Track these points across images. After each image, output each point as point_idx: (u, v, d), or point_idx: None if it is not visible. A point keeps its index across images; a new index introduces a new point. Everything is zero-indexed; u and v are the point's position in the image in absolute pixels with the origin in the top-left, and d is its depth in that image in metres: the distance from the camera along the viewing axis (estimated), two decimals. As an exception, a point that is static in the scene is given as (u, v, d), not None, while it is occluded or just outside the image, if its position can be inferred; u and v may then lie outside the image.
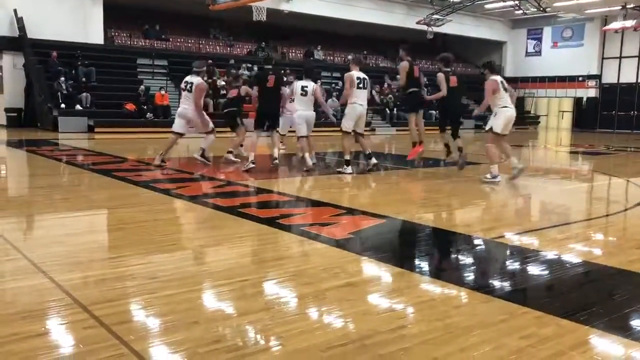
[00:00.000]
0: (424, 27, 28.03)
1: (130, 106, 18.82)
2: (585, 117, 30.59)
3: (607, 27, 27.87)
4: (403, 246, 4.60)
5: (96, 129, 17.25)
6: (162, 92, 19.48)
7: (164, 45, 23.54)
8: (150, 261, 3.90)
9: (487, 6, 28.87)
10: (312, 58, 26.77)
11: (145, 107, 18.92)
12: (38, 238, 4.79)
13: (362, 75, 8.82)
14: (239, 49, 25.87)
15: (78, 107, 18.15)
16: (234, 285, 3.40)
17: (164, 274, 3.55)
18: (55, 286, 3.29)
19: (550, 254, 4.35)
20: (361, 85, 8.73)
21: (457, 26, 29.80)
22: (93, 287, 3.33)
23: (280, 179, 8.84)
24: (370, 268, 3.94)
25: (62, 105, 17.83)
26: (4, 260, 3.87)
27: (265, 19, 20.01)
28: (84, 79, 19.11)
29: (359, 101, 8.72)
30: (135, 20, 23.59)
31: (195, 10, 20.27)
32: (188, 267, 3.82)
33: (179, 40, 24.49)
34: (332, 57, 28.49)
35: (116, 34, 22.95)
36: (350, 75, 8.73)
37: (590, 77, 30.57)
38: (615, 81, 29.99)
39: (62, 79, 18.32)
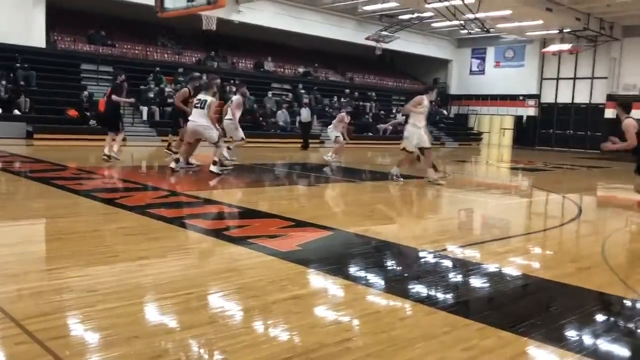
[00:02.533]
0: (373, 43, 28.52)
1: (72, 112, 18.21)
2: (525, 135, 31.82)
3: (545, 50, 29.19)
4: (350, 258, 4.62)
5: (35, 135, 16.56)
6: (105, 98, 18.93)
7: (109, 51, 22.96)
8: (89, 273, 3.75)
9: (434, 25, 29.68)
10: (262, 69, 26.76)
11: (88, 113, 18.36)
12: (-32, 248, 4.54)
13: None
14: (187, 57, 25.54)
15: (16, 112, 17.41)
16: (177, 298, 3.32)
17: (104, 287, 3.43)
18: (-15, 299, 3.11)
19: (492, 267, 4.47)
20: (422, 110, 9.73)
21: (405, 43, 30.50)
22: (27, 300, 3.18)
23: (228, 190, 8.74)
24: (317, 280, 3.94)
25: (-1, 110, 17.07)
26: None
27: (215, 28, 19.86)
28: (22, 83, 18.37)
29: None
30: (80, 25, 22.91)
31: (143, 16, 19.87)
32: (129, 279, 3.70)
33: (125, 46, 23.94)
34: (282, 69, 28.55)
35: (59, 37, 22.21)
36: (421, 98, 9.73)
37: (530, 96, 31.88)
38: (553, 101, 31.39)
39: (3, 82, 17.54)
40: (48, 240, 4.93)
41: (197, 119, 9.46)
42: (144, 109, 20.17)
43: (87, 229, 5.13)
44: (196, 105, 9.58)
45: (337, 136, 13.92)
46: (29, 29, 19.83)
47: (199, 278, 3.82)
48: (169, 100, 20.54)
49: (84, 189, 7.56)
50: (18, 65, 18.72)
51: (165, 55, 24.93)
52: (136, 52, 24.13)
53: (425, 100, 9.65)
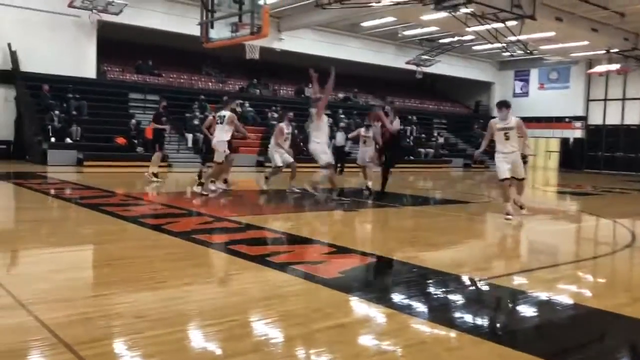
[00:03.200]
0: (413, 67, 28.56)
1: (121, 140, 18.84)
2: (572, 158, 31.02)
3: (592, 71, 28.56)
4: (393, 286, 4.57)
5: (85, 163, 17.19)
6: (151, 125, 19.53)
7: (156, 81, 23.73)
8: (137, 299, 3.83)
9: (475, 48, 29.53)
10: (302, 95, 27.09)
11: (136, 141, 18.94)
12: (23, 274, 4.70)
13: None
14: (231, 85, 26.14)
15: (68, 140, 18.12)
16: (222, 325, 3.34)
17: (151, 313, 3.49)
18: (39, 325, 3.21)
19: (541, 296, 4.34)
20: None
21: (446, 67, 30.42)
22: (78, 325, 3.26)
23: (269, 215, 8.82)
24: (361, 308, 3.90)
25: (52, 139, 17.80)
26: (-13, 297, 3.79)
27: (258, 57, 20.30)
28: (74, 112, 19.15)
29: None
30: (129, 56, 23.83)
31: (188, 46, 20.51)
32: (175, 305, 3.75)
33: (171, 76, 24.72)
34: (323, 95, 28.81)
35: (109, 68, 23.13)
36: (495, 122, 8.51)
37: (576, 118, 31.14)
38: (601, 122, 30.57)
39: (53, 112, 18.34)
40: (97, 266, 5.06)
41: (217, 135, 10.30)
42: (189, 136, 20.67)
43: (135, 255, 5.25)
44: (218, 122, 10.38)
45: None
46: (81, 61, 20.77)
47: (242, 305, 3.85)
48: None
49: (131, 215, 7.75)
50: (70, 95, 19.54)
51: (210, 84, 25.60)
52: (181, 80, 24.87)
53: (498, 123, 8.45)
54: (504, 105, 8.46)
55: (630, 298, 4.40)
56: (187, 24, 18.28)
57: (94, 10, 19.63)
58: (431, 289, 4.58)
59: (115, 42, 22.64)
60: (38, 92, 18.98)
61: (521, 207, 8.85)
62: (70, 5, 19.33)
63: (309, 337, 3.20)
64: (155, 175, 13.13)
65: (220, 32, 11.34)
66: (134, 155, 18.38)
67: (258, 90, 26.21)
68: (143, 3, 21.22)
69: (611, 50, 25.54)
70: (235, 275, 4.75)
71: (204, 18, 11.52)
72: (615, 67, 26.83)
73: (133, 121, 19.57)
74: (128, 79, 23.20)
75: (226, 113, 10.29)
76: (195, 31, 12.46)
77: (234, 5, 10.78)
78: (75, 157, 17.55)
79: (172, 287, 4.21)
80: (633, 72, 27.59)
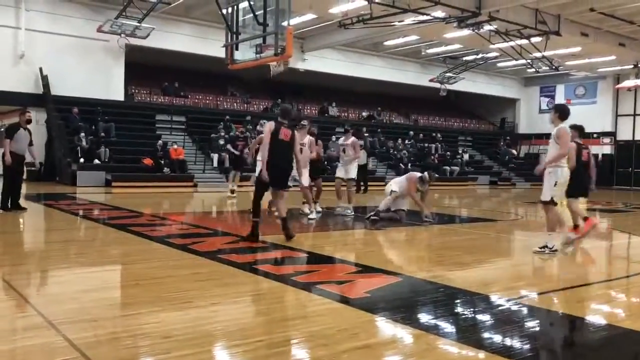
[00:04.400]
0: (437, 85, 28.50)
1: (148, 161, 19.14)
2: (601, 174, 30.38)
3: (619, 85, 28.14)
4: (420, 306, 4.51)
5: (113, 183, 17.49)
6: (175, 146, 19.86)
7: (182, 102, 24.13)
8: (164, 319, 3.85)
9: (500, 64, 29.37)
10: (326, 114, 27.22)
11: (162, 161, 19.23)
12: (52, 294, 4.78)
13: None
14: (255, 106, 26.42)
15: (96, 161, 18.48)
16: (248, 345, 3.34)
17: (178, 333, 3.50)
18: (68, 344, 3.25)
19: (572, 316, 4.24)
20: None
21: (470, 84, 30.29)
22: (106, 345, 3.29)
23: (297, 234, 8.80)
24: (388, 329, 3.86)
25: (81, 160, 18.17)
26: (17, 317, 3.85)
27: (282, 70, 20.49)
28: (103, 134, 19.55)
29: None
30: (155, 78, 24.31)
31: (213, 68, 20.85)
32: (202, 326, 3.76)
33: (197, 97, 25.12)
34: (346, 114, 28.94)
35: (136, 90, 23.63)
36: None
37: (604, 134, 30.61)
38: (631, 138, 29.99)
39: (82, 134, 18.76)
40: (125, 286, 5.11)
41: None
42: (215, 156, 20.89)
43: (162, 275, 5.29)
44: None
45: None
46: (109, 84, 21.27)
47: (268, 325, 3.84)
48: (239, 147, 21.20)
49: (158, 235, 7.84)
50: (99, 118, 19.98)
51: (235, 104, 25.93)
52: (207, 101, 25.25)
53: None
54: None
55: (667, 318, 4.26)
56: (212, 46, 18.61)
57: (122, 35, 20.12)
58: (459, 309, 4.50)
59: (143, 65, 23.14)
60: (68, 115, 19.45)
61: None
62: (99, 30, 19.86)
63: (335, 358, 3.17)
64: (232, 192, 14.56)
65: (244, 54, 11.49)
66: (160, 176, 18.65)
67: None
68: (169, 26, 21.70)
69: (639, 65, 25.14)
70: (261, 295, 4.74)
71: (229, 40, 11.70)
72: (643, 81, 26.39)
73: (160, 142, 19.88)
74: (155, 100, 23.65)
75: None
76: (220, 53, 12.65)
77: (258, 27, 10.92)
78: (103, 178, 17.87)
79: (198, 307, 4.22)
80: (662, 86, 27.08)
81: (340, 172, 11.16)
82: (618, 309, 4.76)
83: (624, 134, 30.31)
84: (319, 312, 4.20)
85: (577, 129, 8.61)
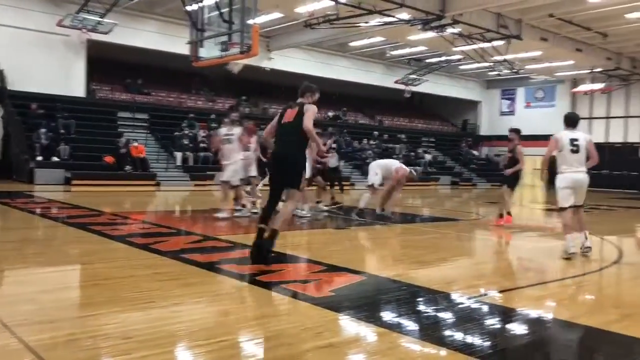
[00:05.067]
0: (402, 87, 28.81)
1: (109, 159, 18.76)
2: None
3: (576, 89, 28.99)
4: (383, 305, 4.55)
5: (73, 181, 17.06)
6: (136, 144, 19.53)
7: (145, 99, 23.73)
8: (124, 320, 3.78)
9: (462, 67, 29.88)
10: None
11: (124, 159, 18.88)
12: (8, 295, 4.63)
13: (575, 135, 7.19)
14: (220, 104, 26.19)
15: (55, 159, 18.00)
16: (212, 345, 3.31)
17: (139, 334, 3.45)
18: (23, 347, 3.16)
19: (531, 313, 4.34)
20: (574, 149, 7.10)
21: (434, 85, 30.73)
22: (64, 347, 3.21)
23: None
24: (352, 328, 3.88)
25: (39, 157, 17.67)
26: (-29, 319, 3.72)
27: (241, 67, 20.34)
28: (62, 131, 19.06)
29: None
30: (118, 74, 23.84)
31: (178, 65, 20.57)
32: (164, 326, 3.71)
33: (160, 94, 24.75)
34: (312, 113, 28.97)
35: (98, 87, 23.11)
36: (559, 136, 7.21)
37: (562, 136, 31.47)
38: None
39: (41, 130, 18.24)
40: (84, 286, 5.00)
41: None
42: (178, 155, 20.62)
43: (122, 275, 5.19)
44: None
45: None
46: (70, 80, 20.74)
47: (232, 325, 3.81)
48: (202, 146, 21.01)
49: (119, 234, 7.69)
50: (59, 114, 19.47)
51: (199, 102, 25.65)
52: (171, 99, 24.90)
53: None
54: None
55: (620, 314, 4.41)
56: (176, 43, 18.33)
57: (83, 30, 19.65)
58: (422, 307, 4.56)
59: (105, 61, 22.65)
60: (26, 111, 18.89)
61: None
62: (60, 25, 19.35)
63: (299, 357, 3.17)
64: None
65: (210, 51, 11.39)
66: (122, 174, 18.30)
67: (247, 109, 26.27)
68: (132, 22, 21.30)
69: (595, 70, 25.99)
70: (225, 295, 4.70)
71: (194, 37, 11.58)
72: (598, 86, 27.28)
73: (121, 140, 19.51)
74: (117, 97, 23.18)
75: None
76: (185, 50, 12.50)
77: (223, 25, 10.84)
78: (62, 176, 17.42)
79: (160, 307, 4.16)
80: (616, 91, 28.04)
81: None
82: (574, 306, 4.90)
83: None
84: (284, 311, 4.19)
85: (516, 132, 10.17)
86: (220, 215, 9.57)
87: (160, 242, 7.06)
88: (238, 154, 9.74)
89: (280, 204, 6.07)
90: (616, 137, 29.64)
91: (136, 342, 3.30)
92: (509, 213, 10.32)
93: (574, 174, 6.98)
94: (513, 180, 10.26)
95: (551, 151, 7.25)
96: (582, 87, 28.14)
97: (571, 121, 7.34)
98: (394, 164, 11.00)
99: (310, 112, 5.83)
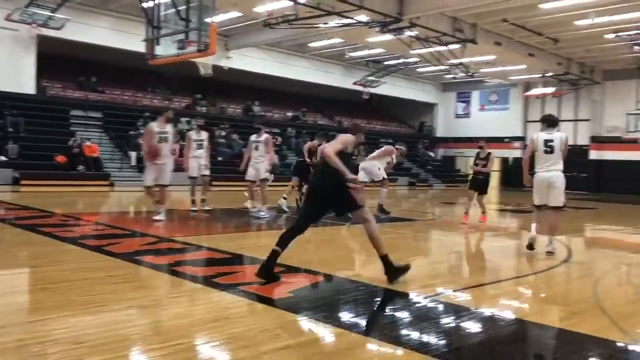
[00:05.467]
0: (360, 88, 29.03)
1: (60, 158, 18.19)
2: (512, 176, 32.12)
3: (528, 93, 29.86)
4: (342, 305, 4.56)
5: (22, 181, 16.47)
6: (89, 143, 19.03)
7: (99, 97, 23.12)
8: (75, 324, 3.67)
9: (420, 70, 30.32)
10: (250, 113, 27.00)
11: (77, 159, 18.34)
12: (-49, 300, 4.42)
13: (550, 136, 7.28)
14: (177, 103, 25.78)
15: (3, 158, 17.34)
16: (167, 349, 3.24)
17: (91, 339, 3.35)
18: (-33, 354, 3.02)
19: (485, 312, 4.43)
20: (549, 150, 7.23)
21: (392, 87, 31.07)
22: (13, 353, 3.09)
23: (216, 235, 8.68)
24: (310, 328, 3.87)
25: (-15, 156, 16.99)
26: None
27: (212, 73, 20.17)
28: (11, 129, 18.37)
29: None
30: (71, 71, 23.14)
31: (133, 63, 20.10)
32: (117, 330, 3.61)
33: (115, 92, 24.16)
34: (271, 113, 28.87)
35: (49, 84, 22.37)
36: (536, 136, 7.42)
37: (515, 138, 32.35)
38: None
39: (-13, 128, 17.55)
40: (33, 290, 4.82)
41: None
42: (133, 154, 20.18)
43: (74, 278, 5.04)
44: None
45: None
46: (19, 76, 19.98)
47: (188, 328, 3.74)
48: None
49: (71, 236, 7.46)
50: (6, 112, 18.76)
51: (155, 101, 25.15)
52: (125, 97, 24.34)
53: None
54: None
55: (569, 312, 4.56)
56: (131, 40, 17.92)
57: (33, 25, 18.98)
58: (379, 307, 4.60)
59: (57, 57, 21.95)
60: (-29, 108, 18.14)
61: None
62: (8, 19, 18.63)
63: (257, 359, 3.14)
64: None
65: (166, 49, 11.16)
66: (74, 174, 17.78)
67: (205, 108, 25.96)
68: (86, 18, 20.70)
69: (546, 74, 26.81)
70: (180, 298, 4.62)
71: (150, 34, 11.34)
72: (550, 90, 28.16)
73: (74, 139, 18.96)
74: (69, 95, 22.50)
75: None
76: (141, 48, 12.22)
77: (180, 23, 10.65)
78: (10, 176, 16.78)
79: (113, 311, 4.05)
80: (566, 95, 29.02)
81: (250, 175, 10.62)
82: (525, 304, 5.04)
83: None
84: (241, 313, 4.15)
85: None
86: (157, 217, 9.29)
87: (114, 244, 6.89)
88: (169, 153, 9.40)
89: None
90: (566, 139, 30.67)
91: (87, 347, 3.20)
92: (466, 212, 11.15)
93: (545, 173, 7.22)
94: (486, 184, 11.48)
95: (529, 152, 7.50)
96: (534, 91, 29.00)
97: (548, 122, 7.52)
98: (382, 150, 11.59)
99: (338, 139, 5.43)
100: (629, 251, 9.12)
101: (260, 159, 10.55)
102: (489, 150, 11.56)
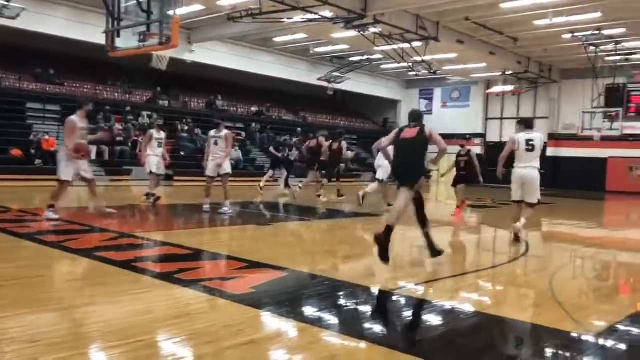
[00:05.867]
0: (325, 84, 29.04)
1: (16, 152, 17.62)
2: (473, 173, 32.76)
3: (489, 91, 30.44)
4: (305, 300, 4.58)
5: (-25, 176, 15.88)
6: (47, 137, 18.51)
7: (57, 90, 22.49)
8: (32, 322, 3.57)
9: (383, 66, 30.54)
10: (214, 107, 26.71)
11: (34, 153, 17.81)
12: None
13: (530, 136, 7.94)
14: (138, 97, 25.30)
15: (-46, 152, 16.70)
16: (127, 346, 3.19)
17: (47, 337, 3.26)
18: None
19: (446, 305, 4.51)
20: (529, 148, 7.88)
21: (356, 84, 31.19)
22: (-37, 354, 2.99)
23: (178, 231, 8.57)
24: (272, 324, 3.87)
25: None
26: None
27: (165, 68, 19.80)
28: (-37, 122, 17.71)
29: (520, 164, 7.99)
30: (27, 63, 22.41)
31: (93, 55, 19.58)
32: (75, 328, 3.54)
33: (74, 85, 23.53)
34: (235, 108, 28.63)
35: (4, 75, 21.62)
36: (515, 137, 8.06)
37: (476, 135, 32.96)
38: (498, 139, 32.56)
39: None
40: (-13, 288, 4.67)
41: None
42: (93, 148, 19.70)
43: (30, 275, 4.90)
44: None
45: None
46: (-28, 67, 19.24)
47: (149, 325, 3.69)
48: (118, 139, 20.23)
49: (27, 232, 7.25)
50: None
51: (115, 94, 24.61)
52: (85, 90, 23.73)
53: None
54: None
55: (526, 304, 4.68)
56: (91, 32, 17.44)
57: (-14, 14, 18.29)
58: (342, 302, 4.63)
59: (13, 48, 21.20)
60: None
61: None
62: (-41, 7, 17.91)
63: (219, 355, 3.12)
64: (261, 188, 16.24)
65: (127, 42, 10.91)
66: (31, 169, 17.25)
67: (167, 102, 25.54)
68: (43, 8, 20.05)
69: (506, 73, 27.39)
70: (141, 294, 4.55)
71: (110, 26, 11.07)
72: (509, 88, 28.76)
73: (39, 134, 18.40)
74: (26, 87, 21.80)
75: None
76: (101, 39, 11.91)
77: (142, 15, 10.43)
78: (-38, 171, 16.18)
79: (71, 308, 3.97)
80: (525, 93, 29.71)
81: (210, 171, 10.46)
82: (485, 297, 5.15)
83: (493, 136, 32.84)
84: (203, 309, 4.12)
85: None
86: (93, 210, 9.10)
87: (73, 239, 6.73)
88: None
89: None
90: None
91: (44, 345, 3.12)
92: (458, 206, 12.40)
93: (522, 169, 7.87)
94: (469, 179, 12.66)
95: (508, 151, 8.15)
96: (495, 89, 29.57)
97: (526, 124, 8.23)
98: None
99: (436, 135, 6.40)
100: (583, 245, 9.42)
101: (219, 154, 10.40)
102: (468, 148, 12.85)
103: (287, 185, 17.41)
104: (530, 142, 7.78)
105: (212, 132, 10.64)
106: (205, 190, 10.58)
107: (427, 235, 6.26)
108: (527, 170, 7.80)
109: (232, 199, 10.82)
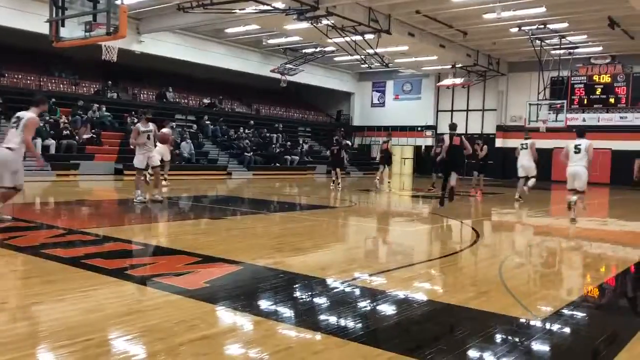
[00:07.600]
0: (278, 76, 28.90)
1: (-47, 146, 16.79)
2: (424, 164, 33.34)
3: (440, 84, 31.01)
4: (259, 293, 4.56)
5: None
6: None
7: (-2, 81, 21.55)
8: (-26, 324, 3.42)
9: (336, 59, 30.62)
10: (164, 100, 26.19)
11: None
12: None
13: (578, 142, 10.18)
14: (85, 88, 24.52)
15: None
16: (76, 346, 3.10)
17: (-8, 338, 3.14)
18: None
19: (399, 294, 4.59)
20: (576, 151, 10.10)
21: (309, 76, 31.20)
22: None
23: (129, 226, 8.39)
24: (227, 318, 3.84)
25: None
26: None
27: (115, 59, 19.26)
28: None
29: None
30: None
31: (36, 45, 18.84)
32: (21, 328, 3.41)
33: (16, 76, 22.58)
34: (186, 100, 28.14)
35: (-61, 66, 20.56)
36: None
37: (427, 127, 33.55)
38: (448, 131, 33.27)
39: None
40: None
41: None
42: (38, 142, 19.00)
43: (-29, 275, 4.69)
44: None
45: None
46: None
47: (99, 322, 3.59)
48: (65, 133, 19.58)
49: (-33, 230, 6.94)
50: None
51: (62, 86, 23.79)
52: (28, 82, 22.83)
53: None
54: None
55: (477, 292, 4.81)
56: (33, 21, 16.80)
57: None
58: (297, 294, 4.64)
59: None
60: None
61: None
62: None
63: (172, 351, 3.08)
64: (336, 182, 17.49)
65: (72, 32, 10.52)
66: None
67: (115, 94, 24.87)
68: (-19, -5, 19.16)
69: (456, 65, 27.95)
70: (90, 291, 4.43)
71: (54, 15, 10.65)
72: (459, 80, 29.37)
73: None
74: (-36, 78, 20.81)
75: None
76: (44, 29, 11.47)
77: (87, 4, 10.09)
78: None
79: (16, 308, 3.83)
80: (475, 85, 30.43)
81: (139, 163, 10.62)
82: (437, 285, 5.26)
83: (444, 128, 33.47)
84: (156, 305, 4.04)
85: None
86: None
87: (18, 237, 6.49)
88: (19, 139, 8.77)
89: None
90: (475, 128, 32.17)
91: (-12, 347, 3.00)
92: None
93: (572, 167, 10.00)
94: (460, 168, 13.67)
95: (565, 154, 10.27)
96: (445, 82, 30.13)
97: (579, 132, 10.38)
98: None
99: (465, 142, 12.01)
100: (530, 233, 9.75)
101: (149, 147, 10.68)
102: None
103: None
104: (578, 146, 9.98)
105: (140, 126, 10.74)
106: (136, 183, 10.88)
107: (451, 190, 11.88)
108: (576, 167, 9.94)
109: (187, 192, 10.66)
